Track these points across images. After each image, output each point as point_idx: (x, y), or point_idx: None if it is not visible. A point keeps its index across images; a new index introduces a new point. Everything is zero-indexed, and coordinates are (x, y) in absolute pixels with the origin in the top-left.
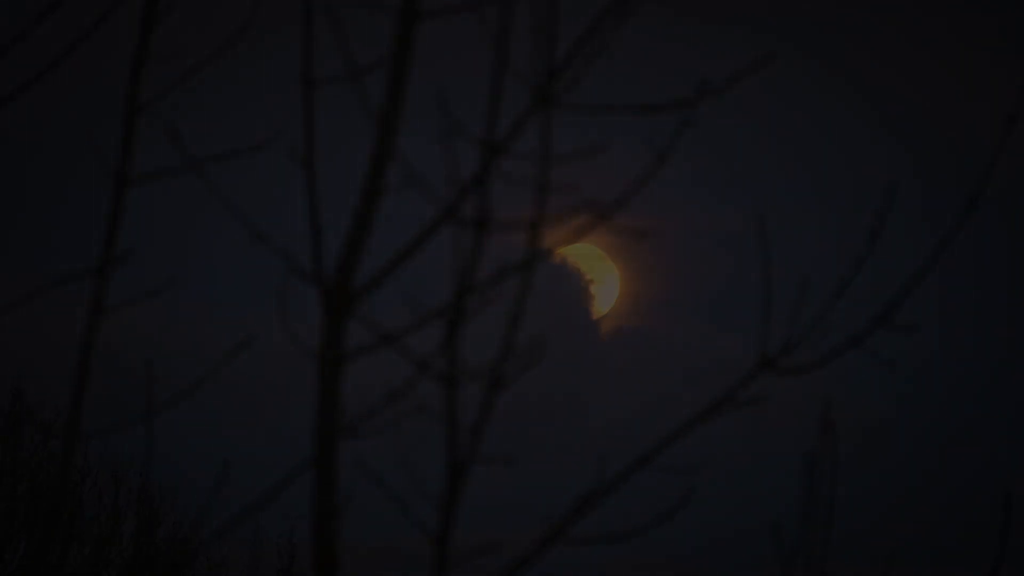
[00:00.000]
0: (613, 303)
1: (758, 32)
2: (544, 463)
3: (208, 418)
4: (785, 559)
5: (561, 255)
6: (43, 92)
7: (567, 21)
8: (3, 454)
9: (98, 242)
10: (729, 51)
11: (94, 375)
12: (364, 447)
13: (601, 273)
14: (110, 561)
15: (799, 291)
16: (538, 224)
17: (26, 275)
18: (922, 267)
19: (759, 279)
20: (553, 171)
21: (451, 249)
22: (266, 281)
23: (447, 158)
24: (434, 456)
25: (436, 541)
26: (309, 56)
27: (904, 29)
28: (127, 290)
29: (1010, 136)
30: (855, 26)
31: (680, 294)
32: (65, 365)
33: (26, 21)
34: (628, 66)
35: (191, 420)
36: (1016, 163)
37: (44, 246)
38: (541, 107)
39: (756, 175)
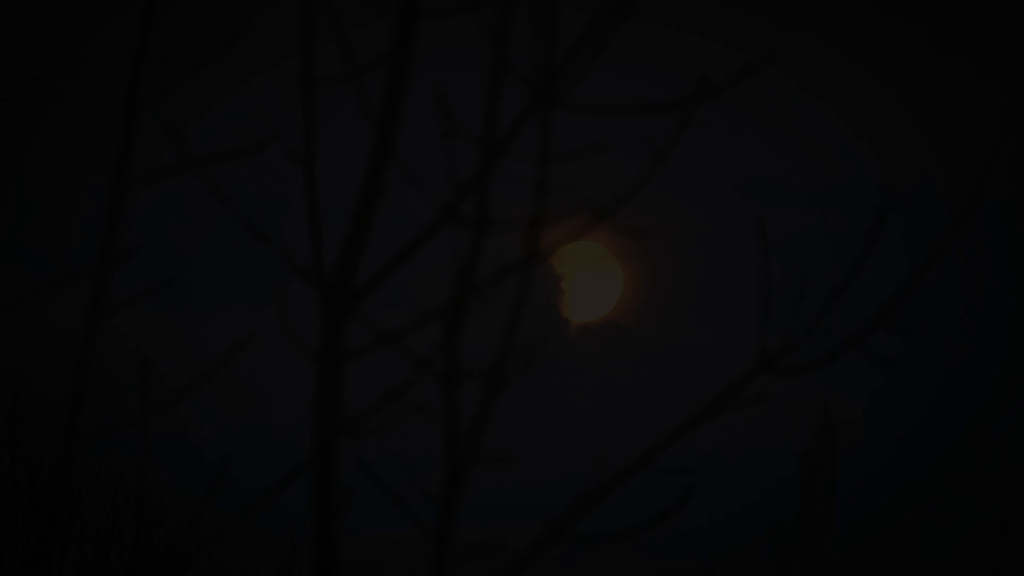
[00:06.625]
0: (615, 303)
1: (758, 32)
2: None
3: (208, 418)
4: (785, 559)
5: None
6: (43, 92)
7: (567, 21)
8: (2, 454)
9: (98, 242)
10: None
11: (93, 375)
12: (364, 447)
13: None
14: (109, 562)
15: (798, 291)
16: (538, 224)
17: (26, 274)
18: (922, 267)
19: (758, 279)
20: (553, 171)
21: (451, 249)
22: (266, 281)
23: (447, 158)
24: (434, 456)
25: (436, 540)
26: (309, 56)
27: (904, 28)
28: (127, 290)
29: (1010, 136)
30: (855, 25)
31: (680, 294)
32: (65, 365)
33: (26, 21)
34: (628, 66)
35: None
36: (1016, 163)
37: (45, 246)
38: (541, 107)
39: (756, 175)
